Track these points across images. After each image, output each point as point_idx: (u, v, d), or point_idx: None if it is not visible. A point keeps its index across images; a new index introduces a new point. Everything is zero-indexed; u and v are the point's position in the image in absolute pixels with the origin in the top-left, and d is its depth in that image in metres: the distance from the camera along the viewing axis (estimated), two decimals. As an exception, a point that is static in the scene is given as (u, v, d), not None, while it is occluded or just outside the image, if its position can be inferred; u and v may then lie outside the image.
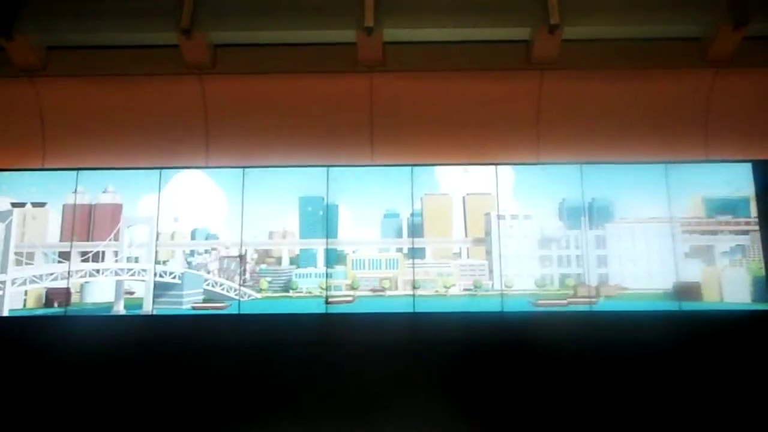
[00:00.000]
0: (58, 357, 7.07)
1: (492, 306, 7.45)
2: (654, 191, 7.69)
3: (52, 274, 7.37)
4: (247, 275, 7.61)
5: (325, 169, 7.80)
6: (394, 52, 7.63)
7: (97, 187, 7.84)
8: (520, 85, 7.74)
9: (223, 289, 7.52)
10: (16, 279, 7.37)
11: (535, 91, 7.74)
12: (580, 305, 7.42)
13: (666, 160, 7.77)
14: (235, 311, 7.47)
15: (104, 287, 7.47)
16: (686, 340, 7.10)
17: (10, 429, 6.75)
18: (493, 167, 7.80)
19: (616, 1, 7.32)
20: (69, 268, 7.41)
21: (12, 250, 7.49)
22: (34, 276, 7.36)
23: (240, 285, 7.54)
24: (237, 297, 7.50)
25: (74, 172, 7.85)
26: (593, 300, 7.42)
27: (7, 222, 7.52)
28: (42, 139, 7.86)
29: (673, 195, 7.66)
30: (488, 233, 7.68)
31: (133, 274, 7.47)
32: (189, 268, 7.59)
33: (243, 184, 7.80)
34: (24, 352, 7.16)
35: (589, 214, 7.64)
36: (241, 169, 7.85)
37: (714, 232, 7.57)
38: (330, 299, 7.47)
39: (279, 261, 7.72)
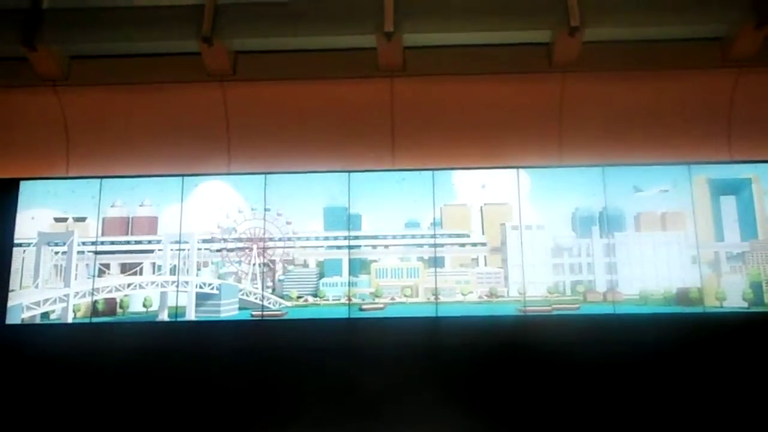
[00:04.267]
0: (99, 361, 7.38)
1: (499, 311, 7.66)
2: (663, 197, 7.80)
3: (107, 286, 7.81)
4: (275, 282, 7.85)
5: (346, 176, 7.91)
6: (414, 56, 7.61)
7: (125, 198, 8.05)
8: (541, 88, 7.70)
9: (256, 298, 7.79)
10: (77, 292, 7.81)
11: (557, 94, 7.71)
12: (564, 311, 7.62)
13: (689, 162, 7.76)
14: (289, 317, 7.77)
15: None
16: (696, 341, 7.24)
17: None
18: (510, 176, 7.89)
19: (637, 2, 7.21)
20: (126, 281, 7.91)
21: (74, 264, 7.83)
22: (94, 289, 7.80)
23: (270, 292, 7.82)
24: (269, 304, 7.76)
25: (102, 181, 8.04)
26: (575, 306, 7.62)
27: (69, 242, 7.89)
28: (66, 147, 7.93)
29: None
30: (504, 242, 7.84)
31: (176, 286, 7.80)
32: (220, 277, 7.87)
33: (265, 190, 7.87)
34: (82, 356, 7.46)
35: (600, 222, 7.77)
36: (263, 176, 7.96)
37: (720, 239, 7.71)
38: (362, 306, 7.72)
39: (306, 267, 7.93)
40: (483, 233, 7.93)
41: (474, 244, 7.89)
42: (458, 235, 7.90)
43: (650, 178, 7.80)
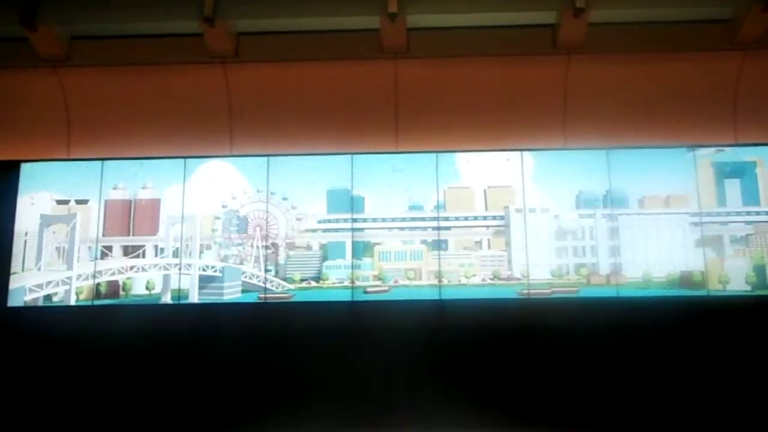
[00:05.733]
0: (104, 343, 7.37)
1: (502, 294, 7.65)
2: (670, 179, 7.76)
3: (110, 269, 7.79)
4: (278, 265, 7.83)
5: (349, 158, 7.87)
6: (418, 38, 7.54)
7: (127, 180, 7.99)
8: (546, 70, 7.66)
9: (259, 281, 7.76)
10: (80, 275, 7.79)
11: (562, 76, 7.67)
12: (565, 294, 7.61)
13: (694, 145, 7.71)
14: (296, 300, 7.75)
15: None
16: (699, 324, 7.25)
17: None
18: (514, 159, 7.84)
19: (643, -16, 7.18)
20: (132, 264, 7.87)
21: (77, 247, 7.82)
22: (97, 272, 7.79)
23: (273, 275, 7.79)
24: (272, 287, 7.74)
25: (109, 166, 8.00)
26: (574, 289, 7.62)
27: (71, 224, 7.87)
28: (67, 129, 7.88)
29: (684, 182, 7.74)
30: (507, 225, 7.80)
31: (179, 269, 7.79)
32: (223, 260, 7.83)
33: (268, 173, 7.84)
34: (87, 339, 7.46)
35: (605, 205, 7.75)
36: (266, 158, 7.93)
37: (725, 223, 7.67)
38: (367, 289, 7.68)
39: (309, 250, 7.88)
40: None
41: (485, 217, 7.86)
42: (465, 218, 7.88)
43: (654, 161, 7.74)
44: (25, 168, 7.92)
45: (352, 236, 7.75)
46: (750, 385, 7.00)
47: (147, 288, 7.73)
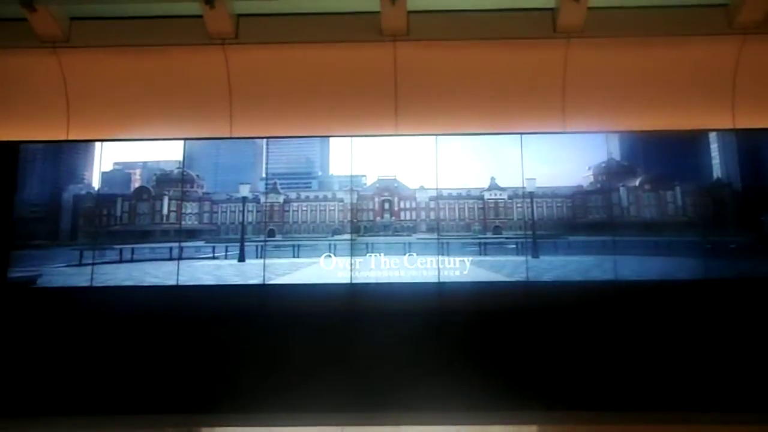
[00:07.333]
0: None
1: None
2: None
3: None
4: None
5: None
6: (418, 21, 7.55)
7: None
8: (545, 54, 7.66)
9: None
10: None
11: (561, 60, 7.67)
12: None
13: (693, 130, 7.73)
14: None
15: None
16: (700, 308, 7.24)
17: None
18: (514, 143, 7.81)
19: (643, -33, 7.19)
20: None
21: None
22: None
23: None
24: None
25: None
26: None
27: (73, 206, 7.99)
28: (66, 111, 7.85)
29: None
30: (510, 208, 7.84)
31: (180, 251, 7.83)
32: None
33: (267, 154, 7.82)
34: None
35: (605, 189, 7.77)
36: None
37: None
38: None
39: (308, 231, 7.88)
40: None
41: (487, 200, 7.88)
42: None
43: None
44: (24, 149, 7.89)
45: (352, 217, 7.73)
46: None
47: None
